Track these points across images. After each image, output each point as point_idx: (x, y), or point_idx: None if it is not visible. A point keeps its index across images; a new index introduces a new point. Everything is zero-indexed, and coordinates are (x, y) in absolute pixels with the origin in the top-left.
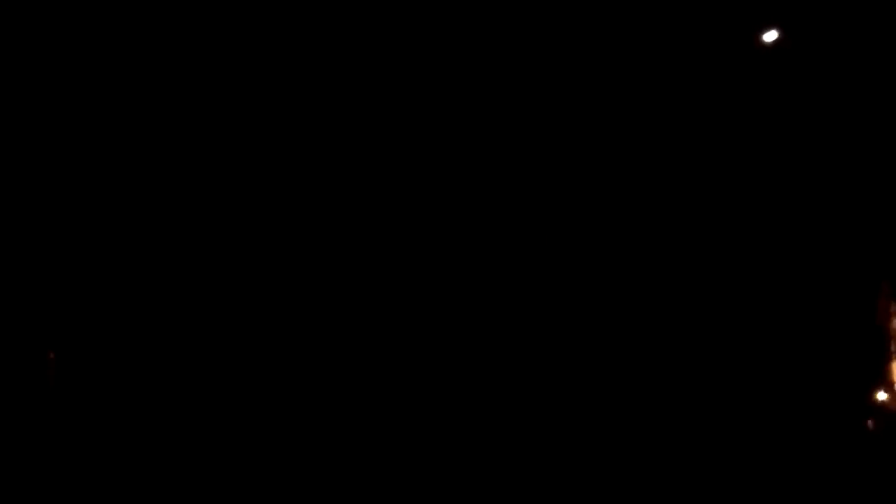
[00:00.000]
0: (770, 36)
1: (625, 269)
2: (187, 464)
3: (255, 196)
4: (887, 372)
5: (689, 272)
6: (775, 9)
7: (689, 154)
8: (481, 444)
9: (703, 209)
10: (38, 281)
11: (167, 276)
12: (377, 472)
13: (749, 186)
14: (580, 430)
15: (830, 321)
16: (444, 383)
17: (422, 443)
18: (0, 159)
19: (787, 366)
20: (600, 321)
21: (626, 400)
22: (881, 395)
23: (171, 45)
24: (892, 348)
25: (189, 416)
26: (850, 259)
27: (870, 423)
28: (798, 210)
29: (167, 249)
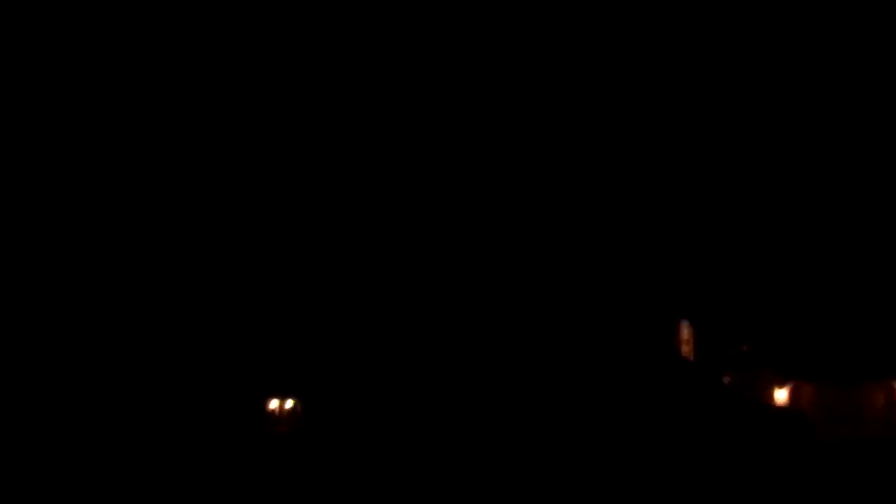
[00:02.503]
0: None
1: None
2: (187, 464)
3: (254, 196)
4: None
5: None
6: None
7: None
8: (481, 444)
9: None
10: (39, 281)
11: (167, 275)
12: (377, 472)
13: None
14: (578, 430)
15: (640, 350)
16: (444, 382)
17: (421, 443)
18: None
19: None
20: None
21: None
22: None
23: (171, 45)
24: (683, 353)
25: (189, 415)
26: (655, 300)
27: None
28: (607, 255)
29: (167, 249)
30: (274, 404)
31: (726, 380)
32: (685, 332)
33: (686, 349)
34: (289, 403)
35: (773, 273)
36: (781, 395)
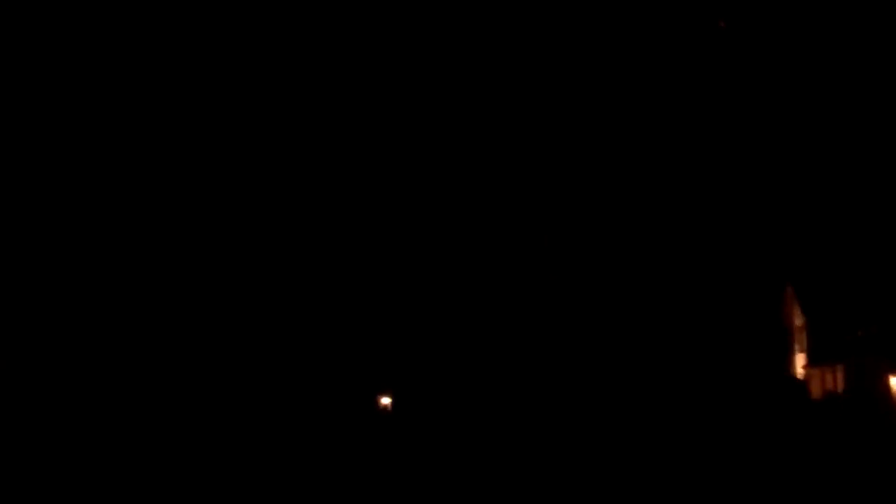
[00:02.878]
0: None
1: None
2: (187, 463)
3: (254, 195)
4: (791, 363)
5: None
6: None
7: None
8: (481, 444)
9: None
10: (39, 281)
11: (167, 275)
12: (377, 471)
13: (659, 192)
14: (576, 429)
15: (743, 320)
16: (443, 382)
17: (422, 442)
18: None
19: (703, 358)
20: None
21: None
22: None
23: (171, 45)
24: (795, 343)
25: (189, 415)
26: (759, 266)
27: (776, 407)
28: (710, 219)
29: (167, 249)
30: (386, 401)
31: (840, 368)
32: (798, 319)
33: (799, 337)
34: (386, 400)
35: (886, 257)
36: None
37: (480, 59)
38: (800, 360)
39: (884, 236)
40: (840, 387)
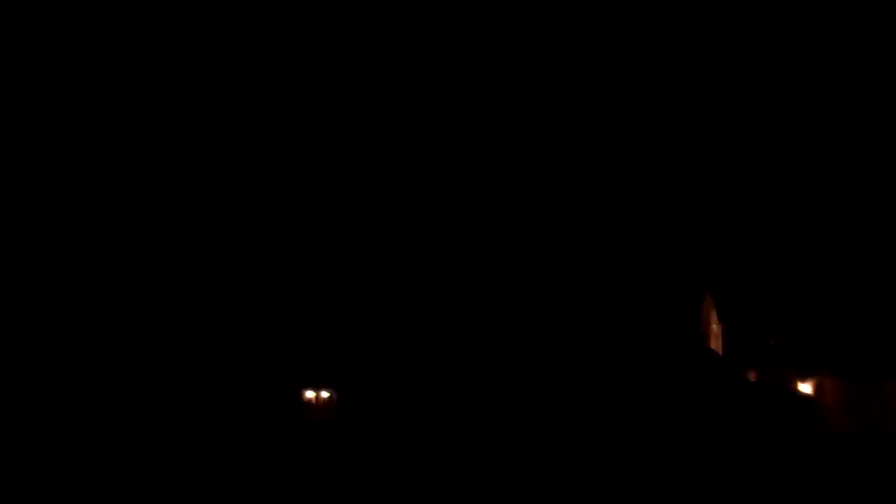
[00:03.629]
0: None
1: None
2: (187, 463)
3: (254, 196)
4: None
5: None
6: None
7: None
8: (480, 444)
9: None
10: (39, 281)
11: (167, 275)
12: (376, 472)
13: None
14: (575, 429)
15: (660, 325)
16: (442, 382)
17: (421, 443)
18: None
19: (617, 363)
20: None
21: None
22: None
23: (171, 45)
24: (712, 346)
25: (189, 415)
26: (677, 272)
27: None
28: (632, 228)
29: (167, 249)
30: (310, 394)
31: (752, 374)
32: (714, 326)
33: (715, 343)
34: (324, 394)
35: (800, 269)
36: (805, 389)
37: (480, 58)
38: None
39: (804, 243)
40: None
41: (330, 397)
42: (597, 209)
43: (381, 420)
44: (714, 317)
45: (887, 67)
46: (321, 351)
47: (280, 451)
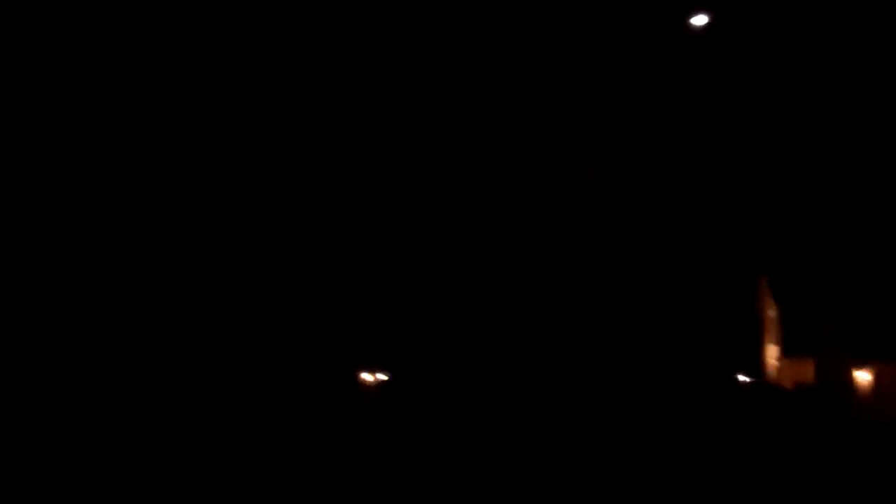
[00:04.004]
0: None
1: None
2: (187, 464)
3: (254, 196)
4: (762, 353)
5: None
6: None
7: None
8: (481, 444)
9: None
10: (40, 281)
11: (167, 275)
12: (377, 472)
13: (637, 188)
14: (576, 430)
15: (716, 311)
16: (443, 382)
17: (422, 442)
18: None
19: (677, 349)
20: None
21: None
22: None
23: (171, 45)
24: (767, 333)
25: (189, 415)
26: (733, 258)
27: (744, 397)
28: (686, 211)
29: (167, 249)
30: (366, 376)
31: (812, 361)
32: (770, 312)
33: (771, 329)
34: (380, 376)
35: (858, 255)
36: (863, 377)
37: (478, 58)
38: (772, 352)
39: (859, 229)
40: (812, 379)
41: (384, 380)
42: (652, 194)
43: (429, 402)
44: (770, 302)
45: None
46: (379, 336)
47: (335, 423)
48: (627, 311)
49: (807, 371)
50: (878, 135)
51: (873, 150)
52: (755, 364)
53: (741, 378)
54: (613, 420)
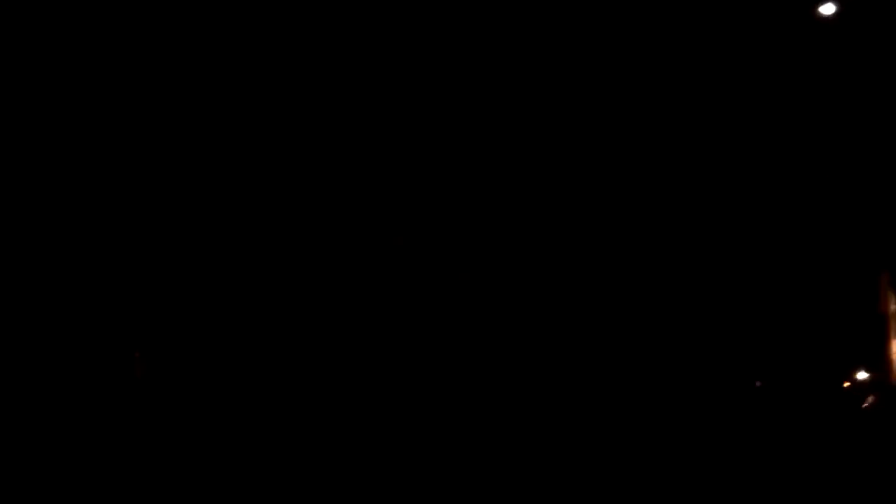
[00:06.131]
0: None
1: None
2: (188, 464)
3: (254, 196)
4: (888, 351)
5: (691, 266)
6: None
7: (690, 151)
8: (480, 444)
9: (706, 205)
10: (40, 282)
11: (168, 276)
12: (376, 472)
13: (754, 182)
14: (578, 430)
15: (838, 307)
16: (442, 382)
17: (421, 443)
18: (3, 160)
19: (798, 348)
20: (598, 320)
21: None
22: (879, 373)
23: (171, 45)
24: (892, 330)
25: (189, 416)
26: (855, 252)
27: (870, 398)
28: (805, 206)
29: (168, 249)
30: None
31: None
32: (894, 307)
33: (894, 325)
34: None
35: None
36: None
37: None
38: None
39: None
40: None
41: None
42: (774, 188)
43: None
44: (893, 297)
45: None
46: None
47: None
48: (750, 310)
49: None
50: None
51: None
52: (880, 362)
53: (862, 375)
54: (729, 419)
